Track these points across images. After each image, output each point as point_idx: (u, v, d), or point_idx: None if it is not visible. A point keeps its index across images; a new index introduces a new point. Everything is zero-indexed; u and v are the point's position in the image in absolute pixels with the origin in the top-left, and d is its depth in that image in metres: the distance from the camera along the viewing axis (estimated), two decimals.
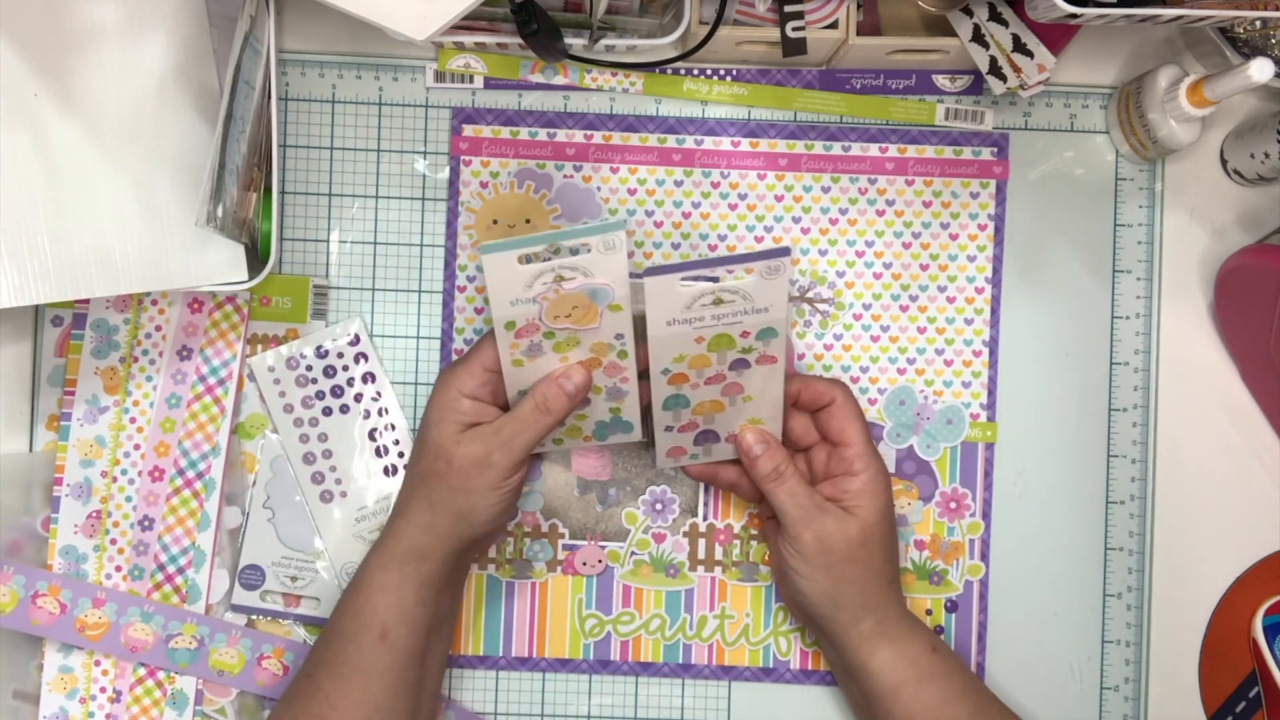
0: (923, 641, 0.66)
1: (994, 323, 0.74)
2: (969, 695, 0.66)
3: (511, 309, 0.62)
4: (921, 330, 0.74)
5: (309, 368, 0.72)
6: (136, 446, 0.71)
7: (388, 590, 0.64)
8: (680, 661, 0.73)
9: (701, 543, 0.73)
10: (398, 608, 0.64)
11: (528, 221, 0.73)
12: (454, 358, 0.73)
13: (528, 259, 0.60)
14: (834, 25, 0.69)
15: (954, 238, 0.74)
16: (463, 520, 0.64)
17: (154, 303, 0.72)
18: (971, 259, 0.74)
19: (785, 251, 0.60)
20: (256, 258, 0.70)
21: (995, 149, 0.74)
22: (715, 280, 0.60)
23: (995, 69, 0.68)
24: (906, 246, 0.73)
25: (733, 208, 0.73)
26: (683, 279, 0.60)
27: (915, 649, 0.66)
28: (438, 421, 0.65)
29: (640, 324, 0.62)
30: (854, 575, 0.65)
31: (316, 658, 0.65)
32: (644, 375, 0.65)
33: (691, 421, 0.66)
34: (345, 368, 0.73)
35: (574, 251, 0.61)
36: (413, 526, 0.65)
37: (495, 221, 0.73)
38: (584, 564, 0.73)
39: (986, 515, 0.73)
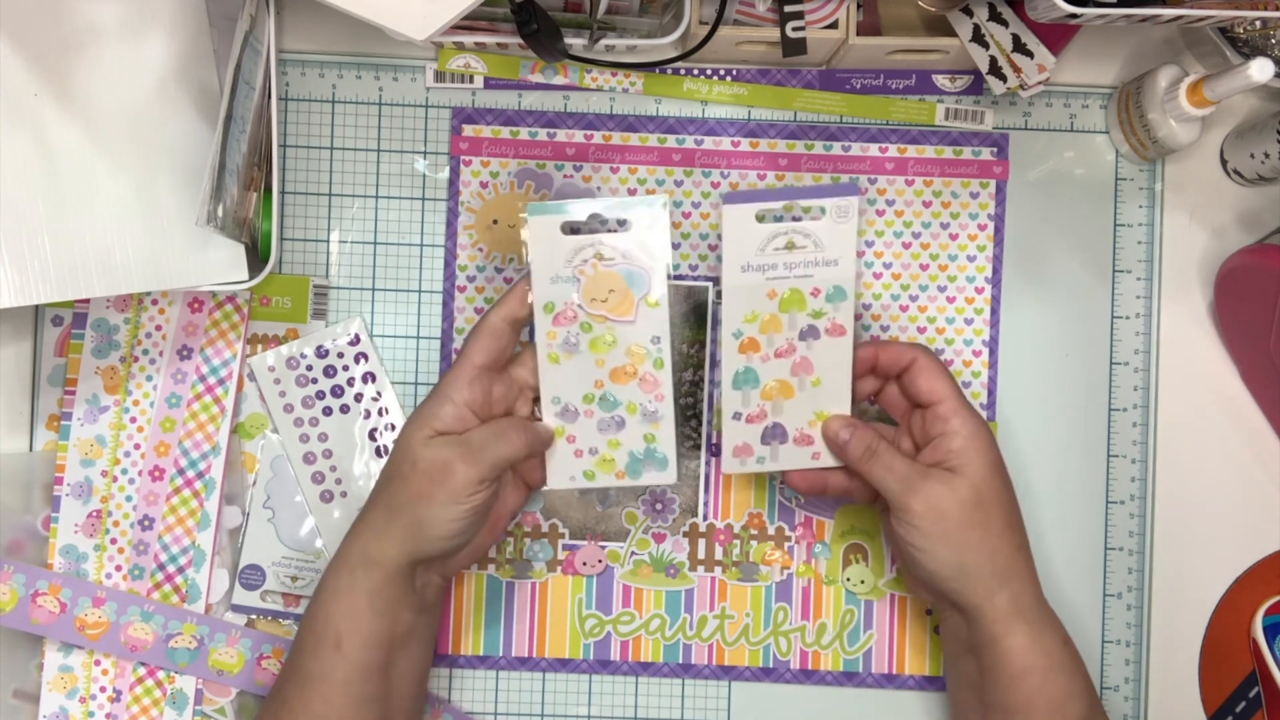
0: (1058, 632, 0.63)
1: (994, 323, 0.74)
2: (1086, 698, 0.63)
3: (552, 287, 0.61)
4: (921, 330, 0.74)
5: (309, 368, 0.72)
6: (137, 446, 0.71)
7: (340, 596, 0.61)
8: (680, 661, 0.73)
9: (701, 543, 0.73)
10: (351, 615, 0.61)
11: None
12: (454, 358, 0.73)
13: (572, 229, 0.59)
14: (834, 25, 0.69)
15: (954, 238, 0.74)
16: (418, 530, 0.61)
17: (154, 302, 0.72)
18: (971, 259, 0.74)
19: (853, 189, 0.59)
20: (256, 257, 0.70)
21: (995, 149, 0.74)
22: (789, 219, 0.60)
23: (995, 69, 0.68)
24: (906, 246, 0.73)
25: None
26: (758, 212, 0.60)
27: (1050, 639, 0.62)
28: (416, 424, 0.62)
29: (677, 332, 0.62)
30: (976, 541, 0.61)
31: (284, 668, 0.64)
32: (684, 391, 0.64)
33: (760, 410, 0.65)
34: (345, 368, 0.73)
35: (618, 224, 0.61)
36: (368, 530, 0.62)
37: (495, 221, 0.73)
38: (584, 564, 0.73)
39: None
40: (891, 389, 0.67)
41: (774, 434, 0.66)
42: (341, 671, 0.61)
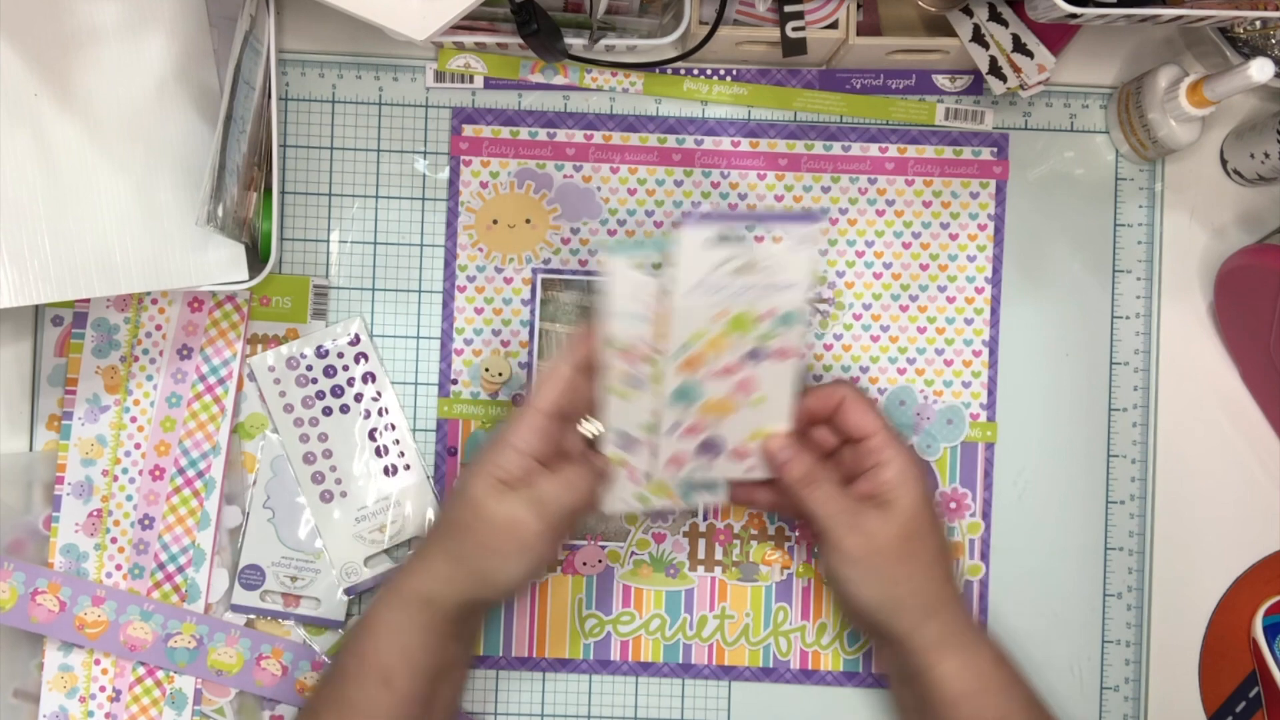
0: (987, 652, 0.64)
1: (994, 323, 0.74)
2: (1027, 710, 0.64)
3: (624, 326, 0.60)
4: (921, 330, 0.74)
5: (309, 368, 0.72)
6: (137, 445, 0.71)
7: (393, 632, 0.62)
8: (680, 661, 0.73)
9: (701, 543, 0.73)
10: (401, 651, 0.61)
11: (528, 221, 0.73)
12: (453, 358, 0.73)
13: (645, 267, 0.59)
14: (834, 25, 0.69)
15: (954, 238, 0.74)
16: (482, 579, 0.62)
17: (154, 302, 0.72)
18: (971, 259, 0.74)
19: (819, 215, 0.58)
20: (256, 257, 0.70)
21: (995, 149, 0.74)
22: (745, 241, 0.59)
23: (995, 69, 0.68)
24: (906, 246, 0.73)
25: (733, 208, 0.73)
26: (718, 233, 0.58)
27: (982, 660, 0.63)
28: (480, 473, 0.61)
29: None
30: (907, 574, 0.62)
31: (322, 694, 0.64)
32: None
33: (696, 424, 0.64)
34: (345, 368, 0.73)
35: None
36: (428, 574, 0.63)
37: (495, 221, 0.73)
38: (584, 564, 0.73)
39: (986, 515, 0.73)
40: (817, 431, 0.67)
41: (709, 448, 0.65)
42: (388, 705, 0.61)
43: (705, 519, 0.73)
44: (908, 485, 0.63)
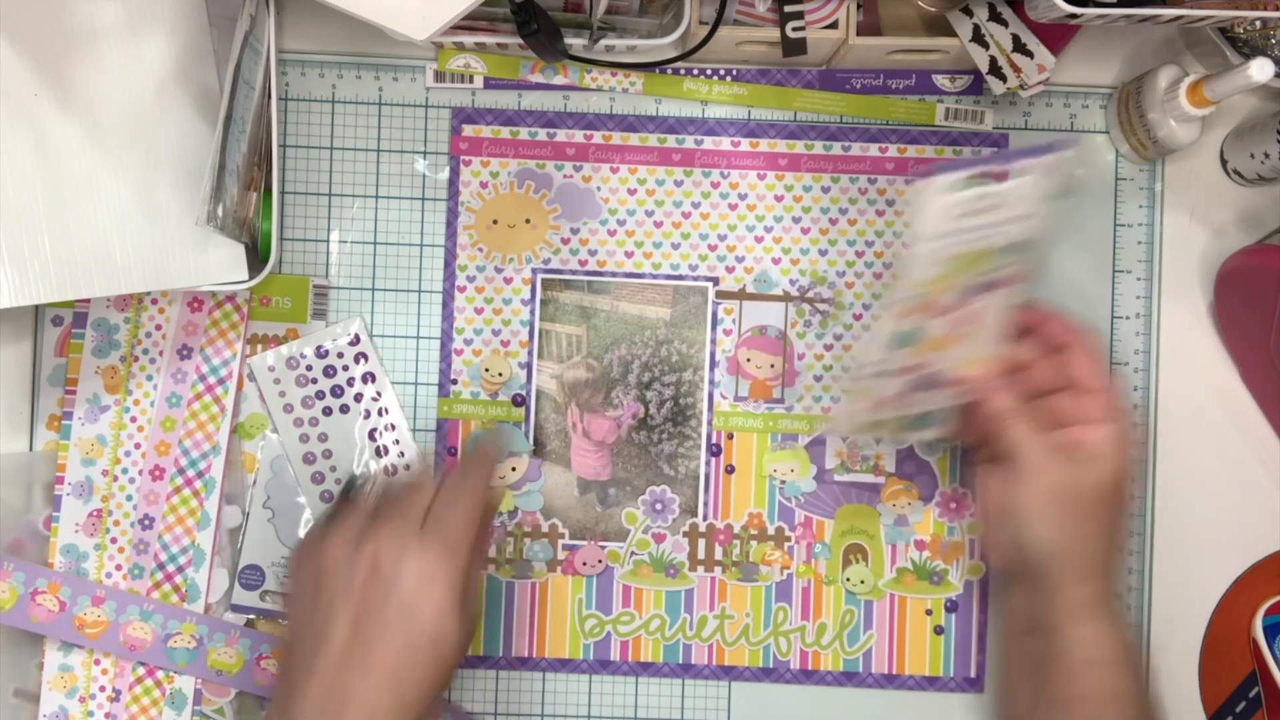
0: (1126, 629, 0.63)
1: None
2: (1144, 696, 0.63)
3: (930, 245, 0.58)
4: None
5: (309, 368, 0.72)
6: (137, 445, 0.71)
7: None
8: (680, 661, 0.73)
9: (701, 543, 0.73)
10: None
11: (528, 221, 0.73)
12: (453, 358, 0.73)
13: (957, 186, 0.58)
14: (834, 25, 0.69)
15: None
16: (431, 700, 0.57)
17: (154, 302, 0.72)
18: None
19: (1051, 148, 0.57)
20: (256, 257, 0.70)
21: (995, 149, 0.74)
22: (993, 181, 0.58)
23: (995, 69, 0.68)
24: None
25: (733, 208, 0.73)
26: (963, 178, 0.57)
27: (1120, 635, 0.62)
28: (450, 612, 0.56)
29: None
30: (1086, 531, 0.62)
31: None
32: None
33: (913, 364, 0.62)
34: (345, 368, 0.73)
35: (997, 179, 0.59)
36: None
37: (495, 221, 0.73)
38: (584, 564, 0.73)
39: None
40: (1044, 364, 0.65)
41: (922, 384, 0.64)
42: None
43: (705, 519, 0.73)
44: (1114, 452, 0.62)
